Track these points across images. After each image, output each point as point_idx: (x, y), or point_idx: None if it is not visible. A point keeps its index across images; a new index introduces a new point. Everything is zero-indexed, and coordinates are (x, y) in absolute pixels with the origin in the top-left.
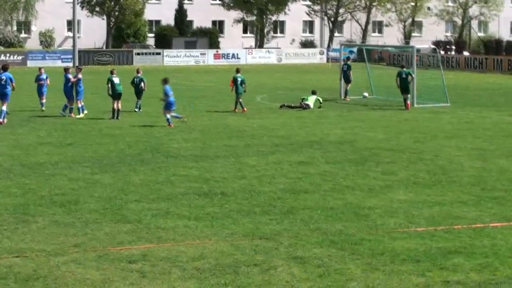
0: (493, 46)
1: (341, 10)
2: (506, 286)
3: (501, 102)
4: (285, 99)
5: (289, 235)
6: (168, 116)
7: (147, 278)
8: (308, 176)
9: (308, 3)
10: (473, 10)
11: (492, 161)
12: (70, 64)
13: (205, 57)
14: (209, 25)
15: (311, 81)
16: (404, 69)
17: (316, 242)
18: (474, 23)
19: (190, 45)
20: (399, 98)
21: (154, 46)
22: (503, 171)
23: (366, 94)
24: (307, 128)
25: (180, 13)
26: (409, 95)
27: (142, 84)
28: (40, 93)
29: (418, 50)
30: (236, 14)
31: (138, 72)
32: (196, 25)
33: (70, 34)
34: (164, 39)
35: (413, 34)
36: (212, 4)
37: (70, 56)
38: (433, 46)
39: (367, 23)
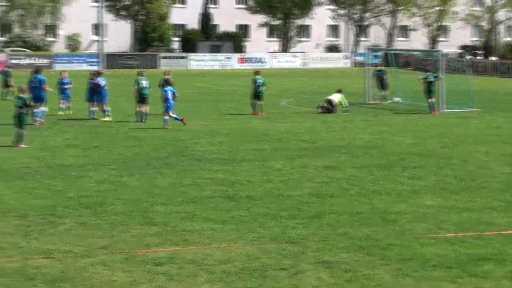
0: None
1: (367, 14)
2: None
3: None
4: (311, 103)
5: (316, 239)
6: (167, 117)
7: (174, 281)
8: (335, 181)
9: (333, 7)
10: (500, 14)
11: None
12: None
13: (230, 61)
14: (234, 29)
15: (336, 85)
16: (429, 73)
17: (343, 246)
18: (501, 28)
19: (215, 49)
20: (426, 103)
21: (179, 50)
22: None
23: (398, 98)
24: (333, 133)
25: (205, 17)
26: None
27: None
28: (62, 97)
29: (446, 55)
30: (261, 18)
31: (165, 75)
32: (221, 29)
33: (96, 37)
34: (189, 43)
35: (439, 39)
36: (237, 8)
37: (96, 60)
38: (460, 51)
39: (392, 27)
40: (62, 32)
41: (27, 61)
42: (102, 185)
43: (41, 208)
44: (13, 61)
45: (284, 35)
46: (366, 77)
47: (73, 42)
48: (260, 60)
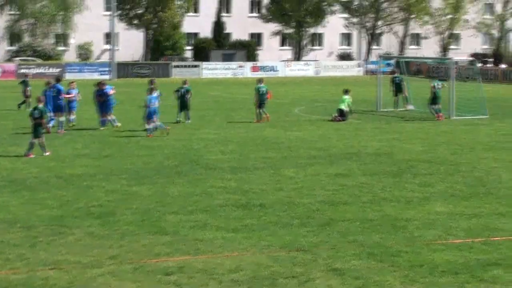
0: None
1: (379, 23)
2: None
3: None
4: (323, 111)
5: (327, 247)
6: (149, 126)
7: None
8: (346, 188)
9: (346, 15)
10: (511, 22)
11: None
12: (107, 77)
13: (243, 70)
14: (247, 37)
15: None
16: (436, 80)
17: (354, 254)
18: None
19: (228, 58)
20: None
21: (192, 59)
22: None
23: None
24: (344, 140)
25: (218, 25)
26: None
27: (188, 96)
28: (69, 108)
29: (456, 63)
30: (274, 26)
31: (185, 83)
32: (234, 37)
33: (108, 46)
34: (202, 51)
35: (450, 47)
36: (249, 16)
37: (108, 69)
38: (471, 58)
39: (404, 35)
40: (73, 41)
41: (38, 70)
42: (113, 195)
43: (50, 218)
44: (23, 71)
45: (297, 44)
46: (379, 85)
47: (84, 51)
48: (273, 69)
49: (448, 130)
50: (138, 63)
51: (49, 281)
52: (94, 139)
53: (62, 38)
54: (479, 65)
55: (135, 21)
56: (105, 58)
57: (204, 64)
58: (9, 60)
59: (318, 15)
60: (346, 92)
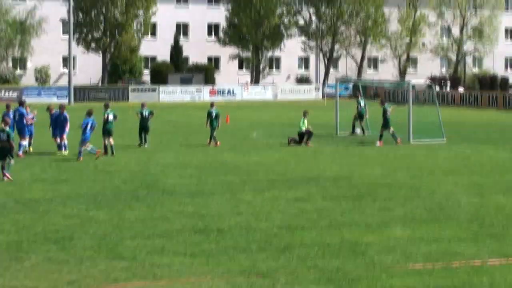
0: (487, 82)
1: (336, 46)
2: None
3: (497, 137)
4: (282, 135)
5: (286, 272)
6: (81, 149)
7: None
8: (305, 213)
9: (304, 39)
10: (468, 46)
11: (490, 197)
12: (66, 101)
13: (201, 93)
14: (204, 61)
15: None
16: (387, 103)
17: (313, 279)
18: (469, 59)
19: (185, 81)
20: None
21: (149, 83)
22: (500, 207)
23: (358, 129)
24: (303, 164)
25: (176, 49)
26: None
27: (150, 118)
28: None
29: (413, 86)
30: (232, 50)
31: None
32: (191, 61)
33: (66, 70)
34: (160, 75)
35: (408, 70)
36: (208, 40)
37: (66, 92)
38: (428, 82)
39: (362, 59)
40: (30, 64)
41: None
42: (70, 220)
43: (7, 243)
44: None
45: (255, 67)
46: (336, 108)
47: (42, 75)
48: (231, 92)
49: (407, 154)
50: (96, 87)
51: None
52: (52, 163)
53: (19, 62)
54: (437, 88)
55: (93, 45)
56: (63, 81)
57: (162, 88)
58: None
59: (276, 39)
60: (304, 114)
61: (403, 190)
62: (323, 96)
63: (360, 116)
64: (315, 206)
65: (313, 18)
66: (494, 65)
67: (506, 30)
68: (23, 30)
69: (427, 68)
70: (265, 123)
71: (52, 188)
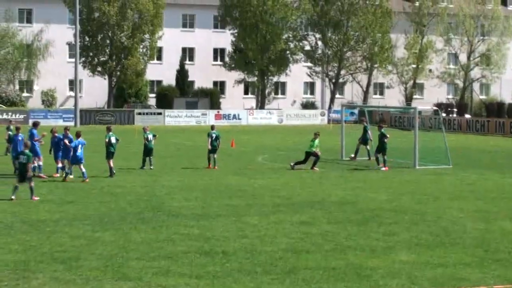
0: (495, 109)
1: (343, 72)
2: None
3: (503, 164)
4: (287, 159)
5: None
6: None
7: None
8: (310, 236)
9: (309, 64)
10: (475, 72)
11: (495, 223)
12: (72, 124)
13: (206, 117)
14: (210, 85)
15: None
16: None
17: None
18: (476, 86)
19: (191, 106)
20: (401, 159)
21: (155, 106)
22: (506, 233)
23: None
24: (308, 189)
25: (182, 73)
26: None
27: (154, 140)
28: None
29: (420, 112)
30: (237, 75)
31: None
32: (197, 85)
33: (72, 93)
34: (165, 99)
35: (414, 96)
36: (213, 64)
37: (72, 115)
38: (435, 108)
39: (368, 84)
40: (37, 87)
41: (1, 116)
42: (77, 240)
43: (15, 263)
44: None
45: (260, 92)
46: (342, 133)
47: (48, 98)
48: (236, 117)
49: (413, 179)
50: (101, 110)
51: None
52: (58, 185)
53: (26, 85)
54: (443, 115)
55: (99, 68)
56: (69, 104)
57: (167, 112)
58: None
59: (281, 64)
60: (316, 135)
61: (409, 215)
62: (328, 121)
63: (364, 141)
64: (320, 230)
65: (319, 43)
66: (502, 92)
67: None
68: (30, 53)
69: (433, 94)
70: (271, 148)
71: (59, 209)
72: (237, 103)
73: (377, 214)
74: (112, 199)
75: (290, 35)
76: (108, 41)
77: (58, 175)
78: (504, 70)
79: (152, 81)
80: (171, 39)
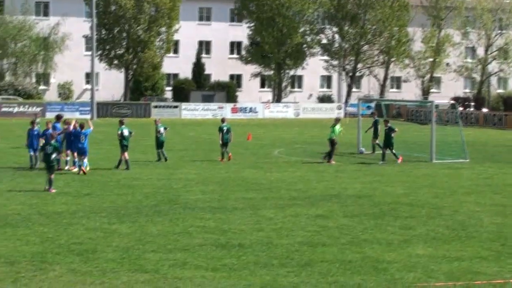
0: None
1: (359, 65)
2: None
3: None
4: (303, 153)
5: (307, 287)
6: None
7: None
8: (326, 229)
9: (326, 58)
10: (492, 66)
11: None
12: (89, 117)
13: (223, 111)
14: (226, 79)
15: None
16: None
17: None
18: (493, 80)
19: (207, 99)
20: (418, 153)
21: (172, 99)
22: None
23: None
24: (325, 182)
25: (198, 66)
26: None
27: (165, 132)
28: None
29: (437, 106)
30: (254, 68)
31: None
32: (213, 78)
33: (89, 86)
34: (182, 92)
35: (431, 90)
36: (229, 58)
37: (88, 108)
38: (452, 102)
39: (385, 78)
40: (54, 80)
41: (19, 109)
42: (93, 233)
43: (32, 254)
44: (4, 109)
45: (277, 85)
46: (359, 127)
47: (65, 91)
48: (252, 110)
49: (429, 173)
50: (118, 103)
51: None
52: (74, 177)
53: (43, 78)
54: (460, 109)
55: (115, 62)
56: (85, 97)
57: (184, 105)
58: None
59: (298, 57)
60: (336, 120)
61: (425, 209)
62: (345, 115)
63: (375, 135)
64: (337, 223)
65: (336, 37)
66: None
67: None
68: (47, 46)
69: (450, 88)
70: (287, 141)
71: (76, 201)
72: (253, 96)
73: (394, 208)
74: (128, 191)
75: (307, 29)
76: (124, 34)
77: (75, 168)
78: None
79: (169, 74)
80: (188, 32)
